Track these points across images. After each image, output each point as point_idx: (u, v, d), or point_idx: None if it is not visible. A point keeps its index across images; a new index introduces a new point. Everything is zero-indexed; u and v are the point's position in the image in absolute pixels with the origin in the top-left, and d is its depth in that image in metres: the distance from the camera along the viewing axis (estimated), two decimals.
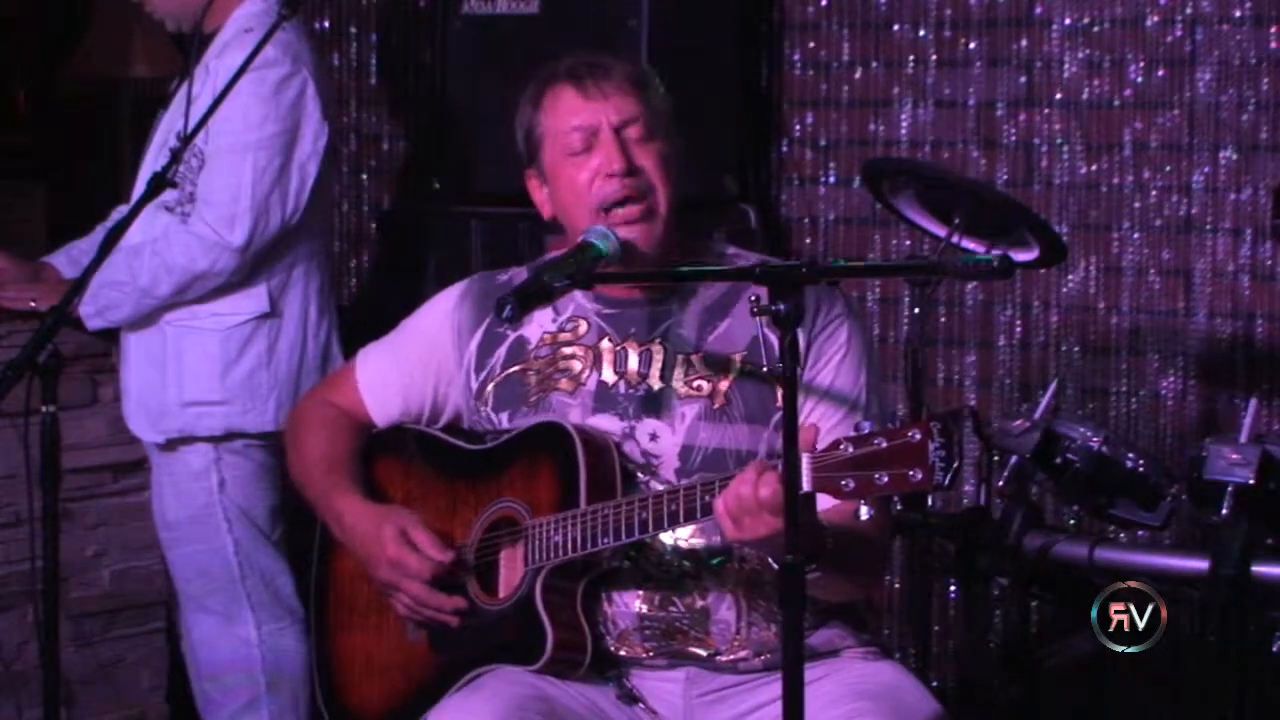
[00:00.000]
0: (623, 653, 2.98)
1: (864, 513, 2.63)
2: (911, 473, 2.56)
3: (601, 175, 3.00)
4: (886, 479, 2.58)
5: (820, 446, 2.65)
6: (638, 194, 3.01)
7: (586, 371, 3.06)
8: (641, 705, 2.99)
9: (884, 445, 2.58)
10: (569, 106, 3.03)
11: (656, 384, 3.02)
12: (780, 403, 2.94)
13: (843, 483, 2.61)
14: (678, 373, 3.02)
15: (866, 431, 2.61)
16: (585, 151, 3.02)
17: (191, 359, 3.95)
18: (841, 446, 2.62)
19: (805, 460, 2.63)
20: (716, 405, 2.99)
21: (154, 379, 3.98)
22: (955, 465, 2.54)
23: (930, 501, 4.00)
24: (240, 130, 3.84)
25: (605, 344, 3.07)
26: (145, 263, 3.88)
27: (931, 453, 2.54)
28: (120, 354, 4.06)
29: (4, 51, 5.56)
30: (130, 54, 5.28)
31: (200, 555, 4.03)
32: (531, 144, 3.10)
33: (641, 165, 3.01)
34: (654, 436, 3.00)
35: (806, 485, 2.63)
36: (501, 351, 3.13)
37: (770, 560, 2.81)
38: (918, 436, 2.55)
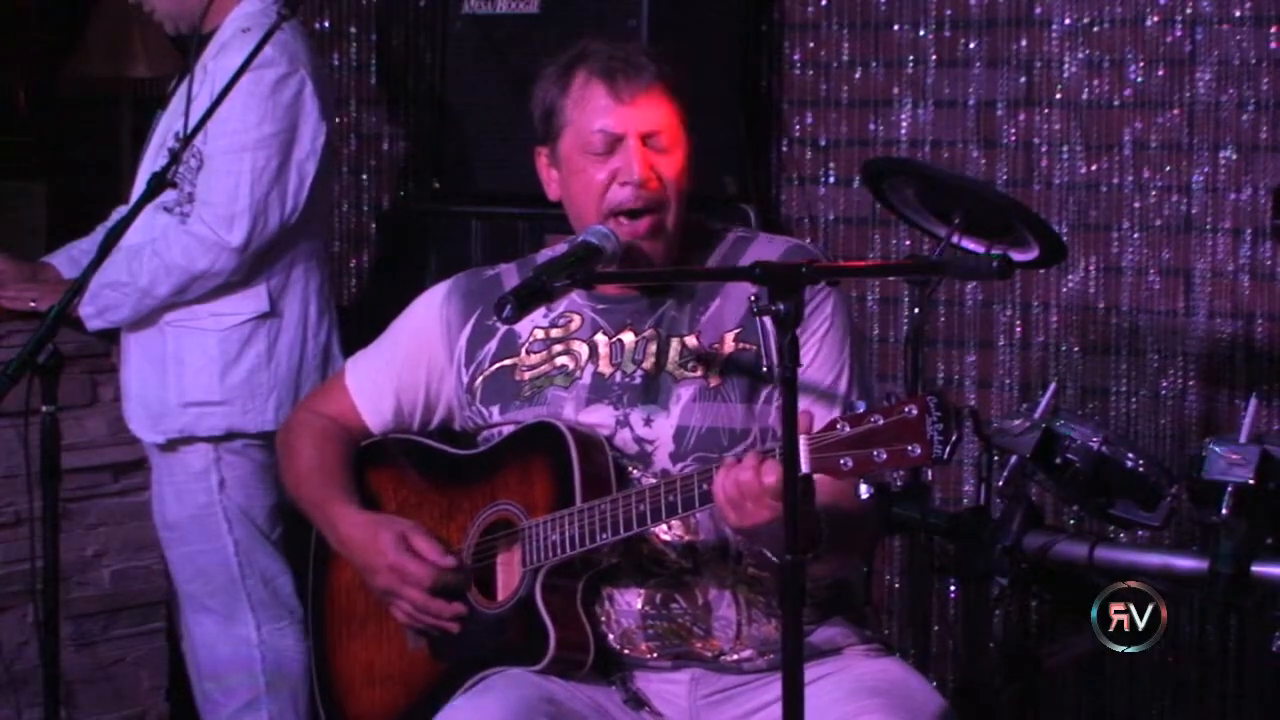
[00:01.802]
0: (626, 653, 2.98)
1: (864, 491, 2.63)
2: (910, 448, 2.55)
3: (619, 180, 2.99)
4: (885, 456, 2.57)
5: (815, 426, 2.65)
6: (651, 205, 3.00)
7: (581, 365, 3.06)
8: (647, 709, 2.99)
9: (881, 422, 2.58)
10: (598, 106, 3.00)
11: (652, 370, 3.02)
12: (772, 375, 2.94)
13: (841, 462, 2.60)
14: (672, 357, 3.02)
15: (862, 410, 2.61)
16: (606, 153, 3.00)
17: (191, 359, 3.95)
18: (838, 426, 2.61)
19: (803, 442, 2.62)
20: (712, 385, 2.99)
21: (154, 379, 3.98)
22: (954, 439, 2.54)
23: (931, 497, 4.01)
24: (238, 131, 3.84)
25: (600, 337, 3.07)
26: (145, 263, 3.88)
27: (929, 427, 2.54)
28: (120, 354, 4.06)
29: (4, 51, 5.56)
30: (130, 54, 5.27)
31: (200, 555, 4.03)
32: (551, 126, 3.06)
33: (660, 177, 2.99)
34: (648, 421, 2.99)
35: (805, 467, 2.62)
36: (492, 345, 3.13)
37: (768, 553, 2.81)
38: (914, 412, 2.55)
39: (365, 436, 3.25)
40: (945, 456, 2.54)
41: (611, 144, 2.99)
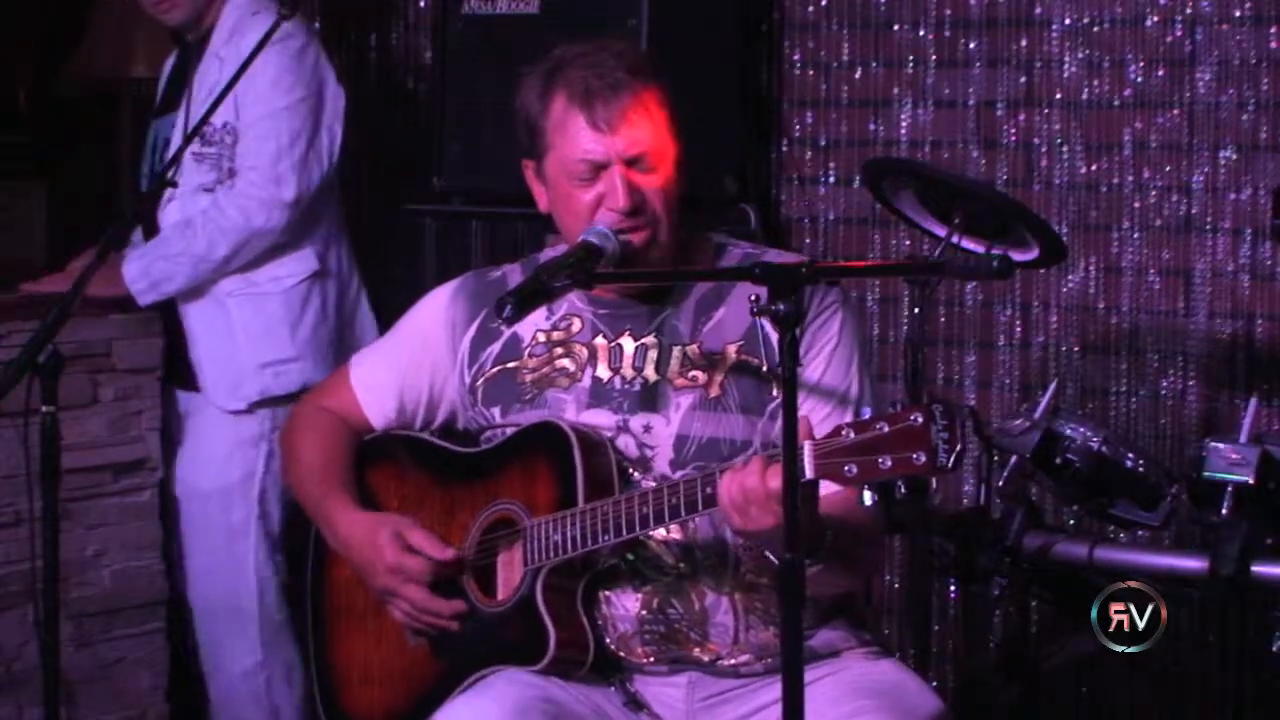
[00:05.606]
0: (623, 655, 2.98)
1: (868, 498, 2.62)
2: (915, 455, 2.55)
3: (605, 206, 2.98)
4: (890, 463, 2.57)
5: (818, 434, 2.65)
6: (642, 226, 2.99)
7: (581, 368, 3.06)
8: (646, 711, 2.99)
9: (886, 430, 2.57)
10: (577, 135, 2.97)
11: (652, 377, 3.02)
12: (775, 393, 2.95)
13: (845, 468, 2.60)
14: (673, 365, 3.02)
15: (868, 418, 2.61)
16: (591, 179, 2.98)
17: (259, 322, 4.10)
18: (843, 433, 2.61)
19: (807, 447, 2.62)
20: (712, 395, 2.99)
21: (224, 350, 4.11)
22: (959, 447, 2.53)
23: (931, 497, 4.00)
24: (270, 99, 4.01)
25: (599, 341, 3.07)
26: (199, 231, 4.01)
27: (934, 435, 2.54)
28: (186, 335, 4.13)
29: (4, 51, 5.56)
30: (130, 54, 5.27)
31: (218, 519, 4.14)
32: (535, 144, 3.05)
33: (647, 199, 2.98)
34: (648, 428, 2.99)
35: (810, 473, 2.62)
36: (495, 348, 3.13)
37: (770, 555, 2.81)
38: (920, 419, 2.55)
39: (368, 432, 3.25)
40: (950, 465, 2.53)
41: (595, 170, 2.98)
